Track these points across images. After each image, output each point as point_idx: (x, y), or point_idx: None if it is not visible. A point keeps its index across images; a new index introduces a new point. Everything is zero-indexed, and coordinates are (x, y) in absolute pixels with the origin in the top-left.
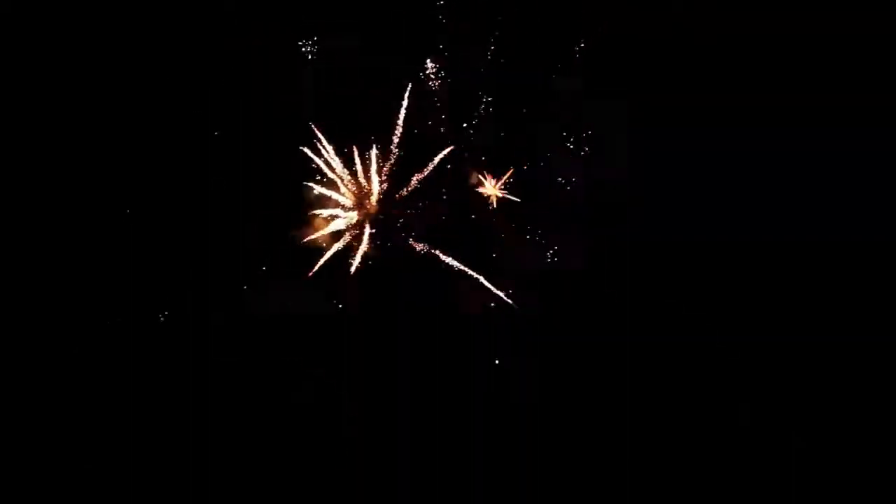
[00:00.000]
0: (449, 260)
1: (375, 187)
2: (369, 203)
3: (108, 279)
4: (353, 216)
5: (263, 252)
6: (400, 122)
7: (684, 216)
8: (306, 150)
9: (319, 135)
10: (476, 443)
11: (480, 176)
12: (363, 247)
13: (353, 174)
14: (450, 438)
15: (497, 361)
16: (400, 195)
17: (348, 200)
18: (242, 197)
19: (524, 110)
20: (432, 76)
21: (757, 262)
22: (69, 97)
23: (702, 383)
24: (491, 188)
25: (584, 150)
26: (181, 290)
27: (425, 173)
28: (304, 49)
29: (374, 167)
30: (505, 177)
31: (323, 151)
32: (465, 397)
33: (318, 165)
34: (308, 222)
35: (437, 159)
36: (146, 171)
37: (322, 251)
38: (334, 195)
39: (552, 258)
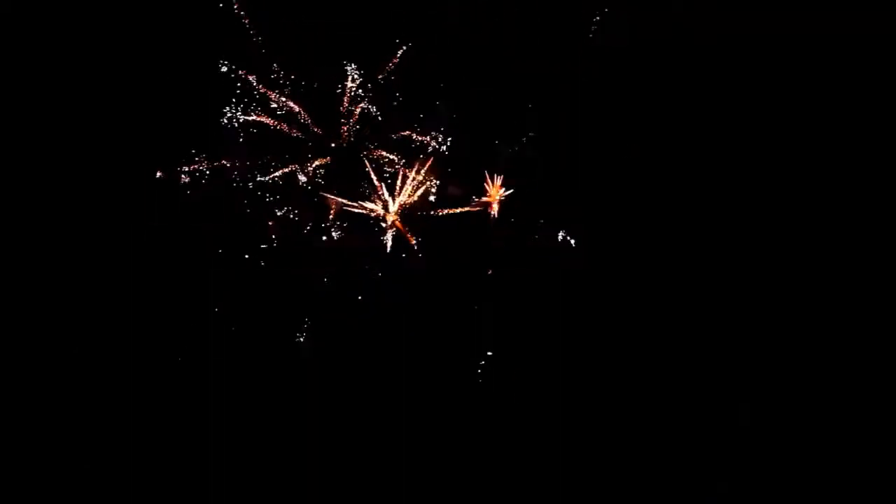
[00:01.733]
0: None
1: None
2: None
3: (108, 280)
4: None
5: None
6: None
7: (682, 215)
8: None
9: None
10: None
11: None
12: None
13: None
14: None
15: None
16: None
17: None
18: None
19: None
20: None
21: (756, 262)
22: (67, 96)
23: (702, 383)
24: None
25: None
26: (181, 288)
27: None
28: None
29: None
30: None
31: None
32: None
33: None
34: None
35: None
36: (146, 170)
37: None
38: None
39: (549, 256)
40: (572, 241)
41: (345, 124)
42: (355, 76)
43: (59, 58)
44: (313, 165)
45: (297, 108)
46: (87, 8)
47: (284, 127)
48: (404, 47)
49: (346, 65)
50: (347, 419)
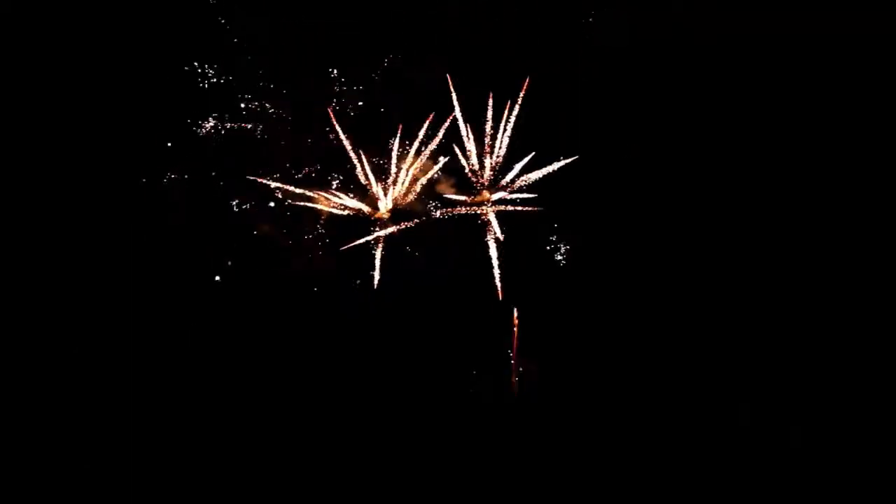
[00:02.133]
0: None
1: (392, 193)
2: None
3: (107, 281)
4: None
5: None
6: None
7: (682, 215)
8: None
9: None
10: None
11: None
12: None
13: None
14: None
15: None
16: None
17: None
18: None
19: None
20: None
21: (756, 262)
22: (65, 97)
23: (702, 383)
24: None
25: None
26: (180, 288)
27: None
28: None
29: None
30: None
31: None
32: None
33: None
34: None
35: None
36: (147, 170)
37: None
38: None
39: (548, 257)
40: (572, 242)
41: (335, 127)
42: (343, 79)
43: (56, 59)
44: (305, 171)
45: (290, 111)
46: (85, 11)
47: (276, 131)
48: (393, 54)
49: (333, 69)
50: (342, 420)
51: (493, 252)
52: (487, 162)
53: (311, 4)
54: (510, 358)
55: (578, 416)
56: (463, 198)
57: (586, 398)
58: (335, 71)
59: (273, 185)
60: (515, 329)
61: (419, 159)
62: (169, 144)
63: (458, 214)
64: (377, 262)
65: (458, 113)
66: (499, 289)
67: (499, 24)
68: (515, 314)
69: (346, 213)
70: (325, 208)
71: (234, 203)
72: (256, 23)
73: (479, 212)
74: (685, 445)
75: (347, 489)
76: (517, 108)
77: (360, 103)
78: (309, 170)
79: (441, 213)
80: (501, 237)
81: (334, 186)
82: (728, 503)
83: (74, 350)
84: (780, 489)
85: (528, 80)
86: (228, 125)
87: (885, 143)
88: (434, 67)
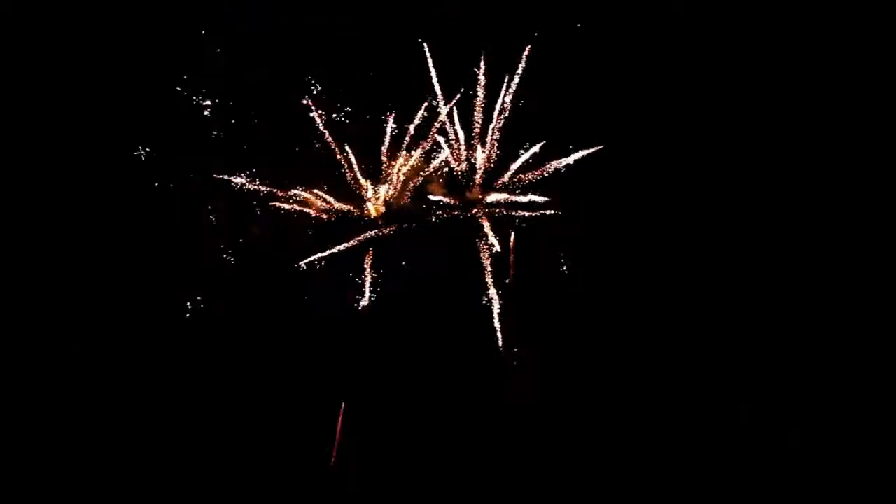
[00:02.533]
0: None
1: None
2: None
3: (107, 279)
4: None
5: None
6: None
7: (682, 216)
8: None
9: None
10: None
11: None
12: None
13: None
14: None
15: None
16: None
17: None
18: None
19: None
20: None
21: (756, 262)
22: (66, 97)
23: (702, 383)
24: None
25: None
26: (179, 287)
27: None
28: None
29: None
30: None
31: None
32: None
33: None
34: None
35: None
36: (148, 169)
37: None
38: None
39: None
40: (572, 242)
41: (321, 127)
42: (334, 78)
43: (52, 58)
44: (294, 172)
45: (279, 111)
46: (86, 11)
47: (264, 131)
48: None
49: (323, 68)
50: (337, 420)
51: (487, 258)
52: (480, 160)
53: (303, 4)
54: (503, 341)
55: (578, 415)
56: (454, 201)
57: (586, 397)
58: (324, 70)
59: (262, 188)
60: (512, 256)
61: (411, 157)
62: (155, 146)
63: (452, 215)
64: (368, 264)
65: (443, 108)
66: (494, 294)
67: (498, 24)
68: (512, 240)
69: (335, 215)
70: (314, 212)
71: (221, 205)
72: (244, 23)
73: (472, 213)
74: (685, 445)
75: (346, 489)
76: (509, 102)
77: (350, 107)
78: (298, 171)
79: (435, 216)
80: (499, 248)
81: (324, 187)
82: (728, 503)
83: (74, 350)
84: (780, 489)
85: (520, 72)
86: (215, 129)
87: (885, 143)
88: (428, 65)
